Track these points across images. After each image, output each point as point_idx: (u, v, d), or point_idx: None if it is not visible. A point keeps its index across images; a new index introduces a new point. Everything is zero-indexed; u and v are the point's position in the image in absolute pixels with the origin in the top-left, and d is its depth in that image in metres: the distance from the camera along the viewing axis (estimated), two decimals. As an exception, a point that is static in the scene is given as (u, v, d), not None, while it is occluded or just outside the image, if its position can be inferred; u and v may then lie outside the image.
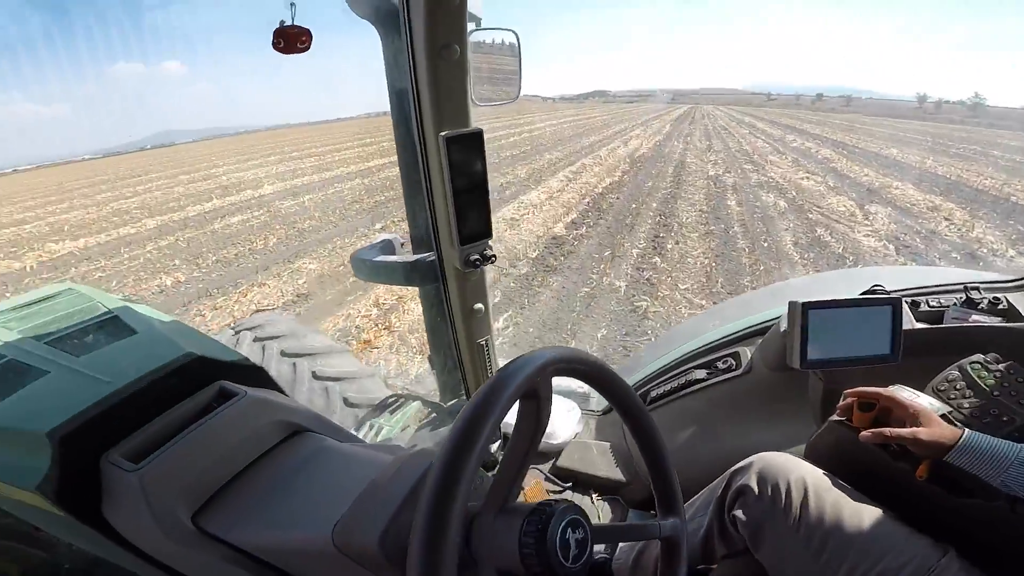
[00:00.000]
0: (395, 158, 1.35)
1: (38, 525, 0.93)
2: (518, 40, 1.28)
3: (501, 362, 1.58)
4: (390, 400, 1.86)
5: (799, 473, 0.89)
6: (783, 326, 1.15)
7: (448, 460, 0.48)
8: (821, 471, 0.91)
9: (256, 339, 2.24)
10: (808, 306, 1.04)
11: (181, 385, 0.89)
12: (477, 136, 1.13)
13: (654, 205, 9.66)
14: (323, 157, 23.50)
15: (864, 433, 0.85)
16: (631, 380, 1.68)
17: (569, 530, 0.54)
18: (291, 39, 0.98)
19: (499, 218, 8.97)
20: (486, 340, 1.51)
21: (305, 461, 0.85)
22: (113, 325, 1.12)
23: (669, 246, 7.15)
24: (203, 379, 0.91)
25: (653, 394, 1.54)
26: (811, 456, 0.99)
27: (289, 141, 39.41)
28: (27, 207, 20.01)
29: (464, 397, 1.69)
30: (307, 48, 1.00)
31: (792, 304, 1.07)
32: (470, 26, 1.09)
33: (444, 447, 0.49)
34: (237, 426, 0.84)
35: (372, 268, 1.43)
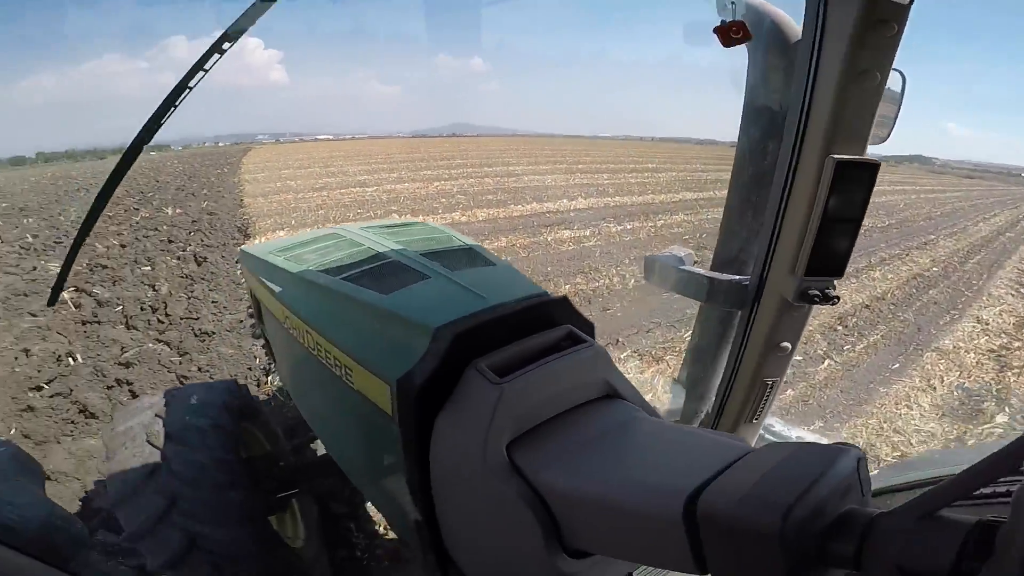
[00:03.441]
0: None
1: (371, 417, 1.03)
2: (904, 81, 1.14)
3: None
4: None
5: None
6: None
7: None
8: None
9: None
10: None
11: (533, 319, 0.94)
12: (872, 168, 1.03)
13: None
14: (616, 175, 22.16)
15: None
16: None
17: None
18: (724, 33, 1.10)
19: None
20: (773, 382, 1.38)
21: (621, 426, 0.83)
22: (474, 255, 1.35)
23: None
24: (548, 319, 0.95)
25: None
26: None
27: (567, 152, 39.99)
28: (365, 170, 23.05)
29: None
30: (742, 40, 1.10)
31: None
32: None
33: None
34: (575, 371, 0.87)
35: (666, 274, 1.41)
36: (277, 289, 1.53)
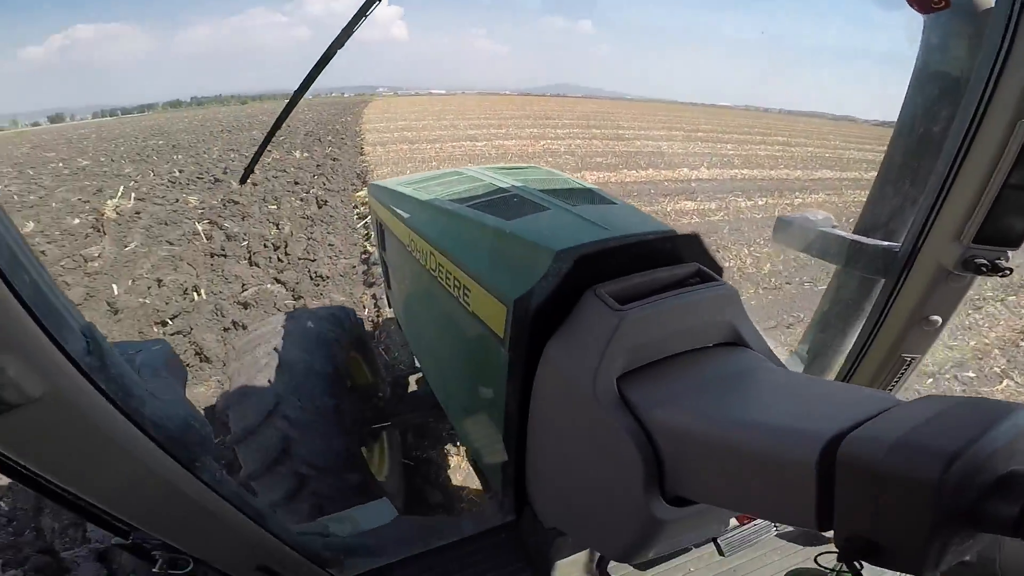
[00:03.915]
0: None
1: (481, 340, 1.02)
2: None
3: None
4: None
5: None
6: None
7: None
8: None
9: None
10: None
11: (659, 253, 0.90)
12: None
13: None
14: (742, 145, 19.97)
15: None
16: None
17: None
18: (925, 1, 1.10)
19: None
20: (913, 358, 1.28)
21: (747, 372, 0.76)
22: (593, 194, 1.32)
23: None
24: (675, 256, 0.91)
25: None
26: None
27: (683, 117, 37.03)
28: (475, 125, 22.84)
29: None
30: (943, 7, 1.09)
31: None
32: None
33: None
34: (701, 310, 0.81)
35: (802, 234, 1.37)
36: (405, 215, 1.57)
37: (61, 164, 13.10)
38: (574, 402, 0.78)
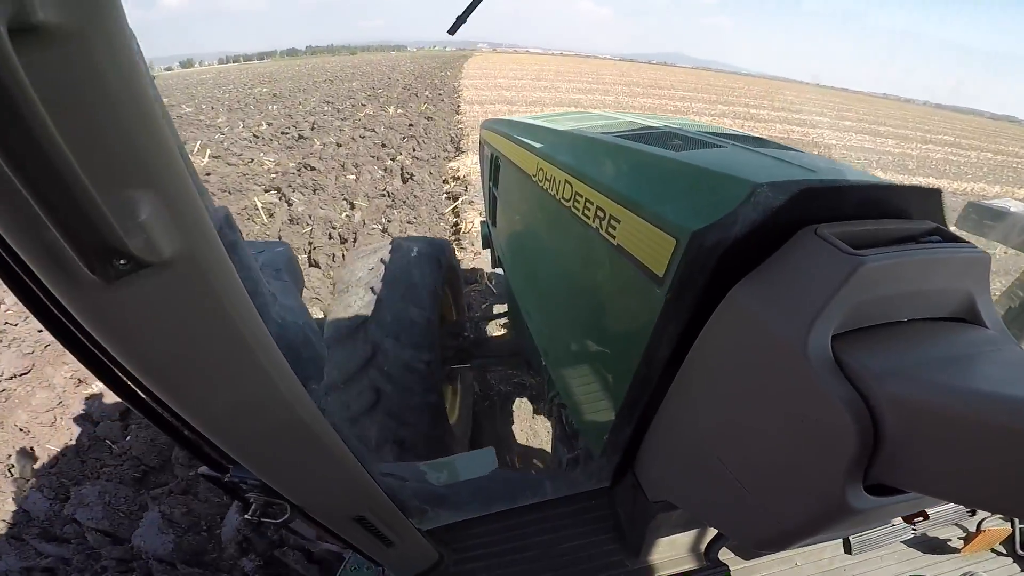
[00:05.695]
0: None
1: (625, 278, 0.87)
2: None
3: None
4: None
5: None
6: None
7: None
8: None
9: None
10: None
11: (887, 204, 0.71)
12: None
13: None
14: (905, 143, 16.11)
15: None
16: None
17: None
18: None
19: None
20: None
21: (992, 352, 0.59)
22: (762, 140, 1.12)
23: None
24: (902, 212, 0.73)
25: None
26: None
27: (813, 100, 31.93)
28: (578, 89, 20.53)
29: None
30: None
31: None
32: None
33: None
34: (946, 272, 0.65)
35: (999, 221, 1.27)
36: (536, 144, 1.46)
37: (168, 111, 12.78)
38: (768, 359, 0.61)
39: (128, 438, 2.46)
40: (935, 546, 1.29)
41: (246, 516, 0.66)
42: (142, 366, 0.40)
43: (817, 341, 0.57)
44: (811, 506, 0.60)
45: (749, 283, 0.66)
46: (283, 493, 0.66)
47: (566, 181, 1.17)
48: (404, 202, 5.46)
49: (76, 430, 2.52)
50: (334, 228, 4.56)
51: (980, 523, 1.27)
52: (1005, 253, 5.40)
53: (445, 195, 5.89)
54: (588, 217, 1.04)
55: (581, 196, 1.08)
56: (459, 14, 1.29)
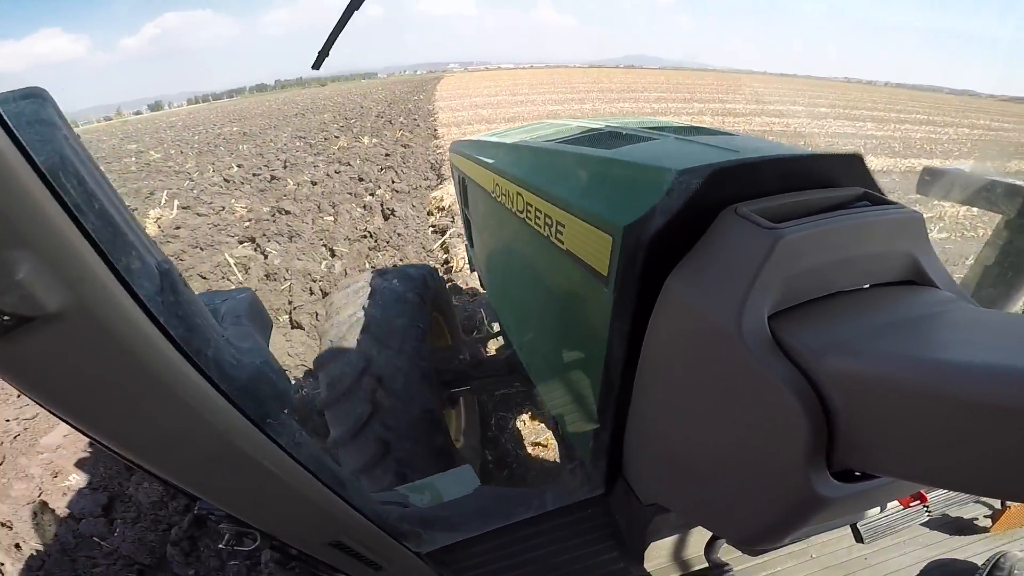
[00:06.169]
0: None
1: (577, 282, 0.87)
2: None
3: None
4: None
5: None
6: None
7: None
8: None
9: None
10: None
11: (809, 175, 0.69)
12: None
13: None
14: (883, 124, 16.06)
15: None
16: None
17: None
18: None
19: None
20: None
21: (939, 312, 0.55)
22: (702, 129, 1.11)
23: None
24: (828, 180, 0.70)
25: None
26: None
27: (784, 90, 32.29)
28: (554, 100, 20.39)
29: None
30: None
31: None
32: None
33: None
34: (876, 237, 0.61)
35: (959, 183, 1.32)
36: (489, 161, 1.47)
37: (134, 159, 12.31)
38: (707, 347, 0.59)
39: (116, 533, 2.13)
40: (961, 527, 1.23)
41: (220, 545, 0.69)
42: (61, 408, 0.41)
43: (751, 322, 0.54)
44: (782, 499, 0.55)
45: (680, 271, 0.65)
46: (246, 521, 0.65)
47: (517, 193, 1.17)
48: (388, 242, 5.07)
49: (58, 526, 2.19)
50: (314, 281, 4.14)
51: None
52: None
53: (431, 229, 5.51)
54: (539, 226, 1.03)
55: (531, 206, 1.08)
56: (319, 48, 1.17)
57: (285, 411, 0.64)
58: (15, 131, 0.31)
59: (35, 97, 0.47)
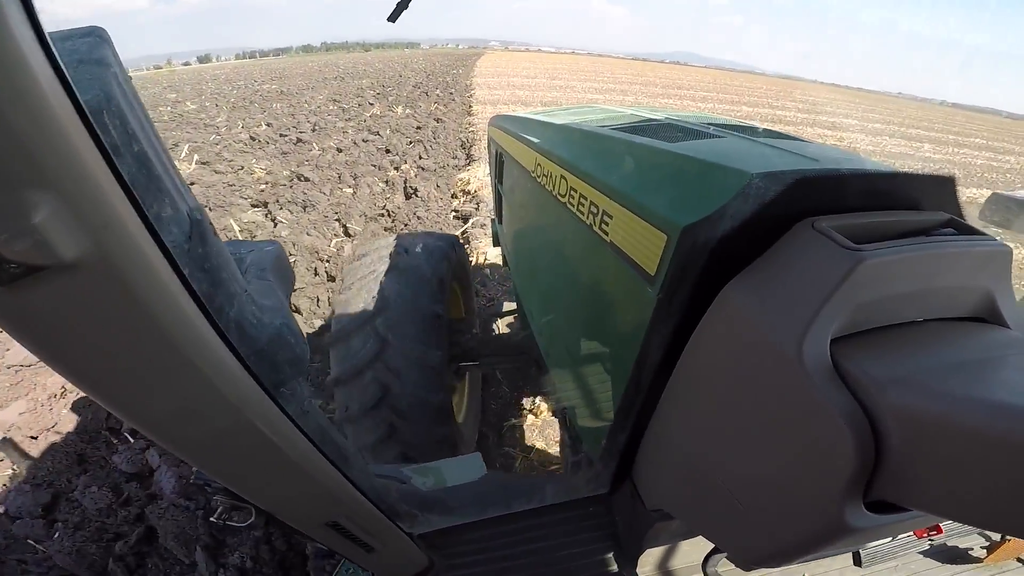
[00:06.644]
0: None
1: (618, 277, 0.83)
2: None
3: None
4: None
5: None
6: None
7: None
8: None
9: None
10: None
11: (894, 195, 0.62)
12: None
13: None
14: (942, 147, 14.98)
15: None
16: None
17: None
18: None
19: None
20: None
21: (1015, 355, 0.49)
22: (771, 132, 1.07)
23: None
24: (912, 204, 0.64)
25: None
26: None
27: (826, 99, 30.72)
28: (595, 89, 19.63)
29: None
30: None
31: None
32: None
33: None
34: (959, 268, 0.55)
35: (1021, 211, 1.66)
36: (534, 140, 1.42)
37: (170, 108, 12.18)
38: (760, 364, 0.55)
39: (55, 537, 1.86)
40: (955, 556, 1.23)
41: (211, 519, 0.62)
42: (63, 367, 0.39)
43: (814, 345, 0.51)
44: (806, 524, 0.53)
45: (742, 281, 0.60)
46: (245, 497, 0.64)
47: (561, 176, 1.13)
48: (406, 224, 4.73)
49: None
50: (321, 261, 3.83)
51: None
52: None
53: (454, 214, 5.15)
54: (583, 213, 0.99)
55: (576, 191, 1.04)
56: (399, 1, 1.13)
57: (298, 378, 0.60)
58: (62, 67, 0.30)
59: (93, 36, 0.46)
